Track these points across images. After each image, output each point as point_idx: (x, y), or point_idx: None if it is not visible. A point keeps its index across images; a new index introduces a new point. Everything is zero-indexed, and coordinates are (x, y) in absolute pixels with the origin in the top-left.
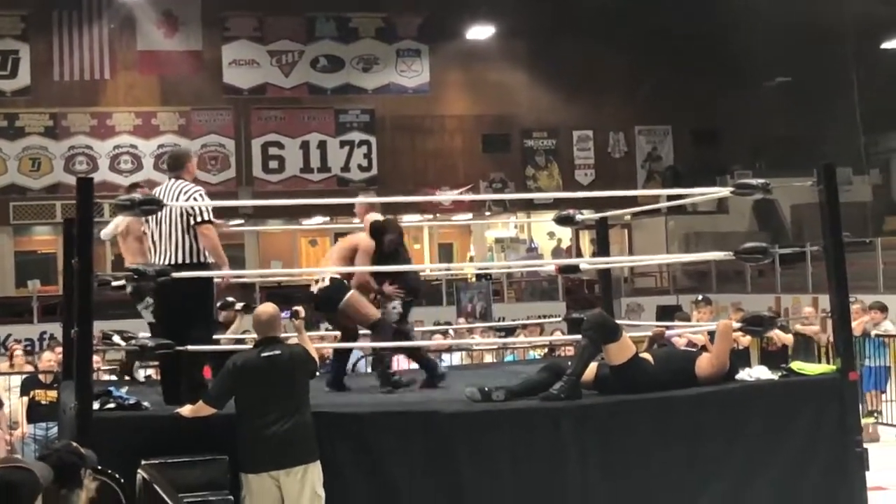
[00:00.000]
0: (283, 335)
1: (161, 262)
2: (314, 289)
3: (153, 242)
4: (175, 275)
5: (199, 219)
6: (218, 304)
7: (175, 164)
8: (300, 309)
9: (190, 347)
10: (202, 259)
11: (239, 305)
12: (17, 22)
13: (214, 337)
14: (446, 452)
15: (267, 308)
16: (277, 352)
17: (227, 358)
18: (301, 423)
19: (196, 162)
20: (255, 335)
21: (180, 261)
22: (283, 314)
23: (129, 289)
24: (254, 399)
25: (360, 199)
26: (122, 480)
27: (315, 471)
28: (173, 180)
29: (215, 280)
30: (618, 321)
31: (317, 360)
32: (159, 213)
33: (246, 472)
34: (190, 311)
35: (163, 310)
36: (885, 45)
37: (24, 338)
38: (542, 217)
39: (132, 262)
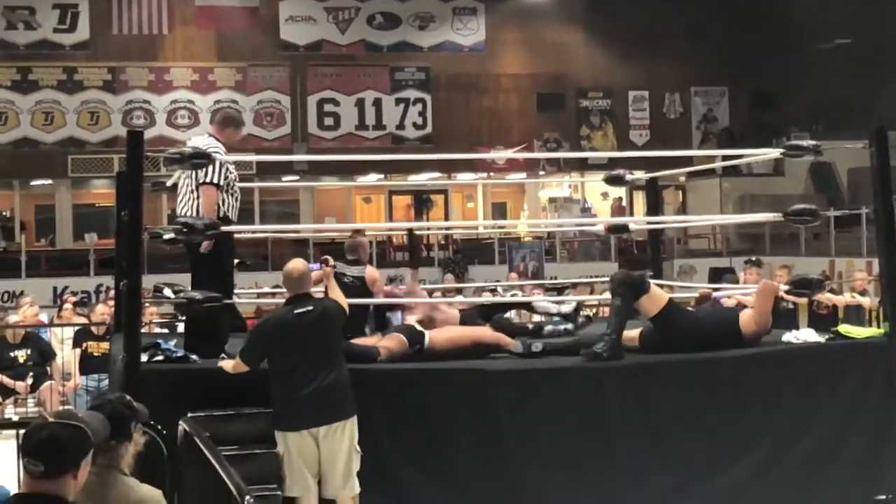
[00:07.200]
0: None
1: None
2: None
3: (178, 196)
4: (224, 229)
5: (203, 179)
6: None
7: (220, 122)
8: (329, 258)
9: (236, 300)
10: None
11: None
12: None
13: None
14: (490, 410)
15: (297, 265)
16: (310, 307)
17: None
18: (339, 379)
19: (240, 131)
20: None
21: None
22: (312, 266)
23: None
24: (290, 357)
25: None
26: (164, 432)
27: (354, 426)
28: (206, 136)
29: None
30: (668, 282)
31: (347, 311)
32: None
33: (284, 430)
34: (205, 267)
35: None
36: None
37: (80, 290)
38: (595, 177)
39: None
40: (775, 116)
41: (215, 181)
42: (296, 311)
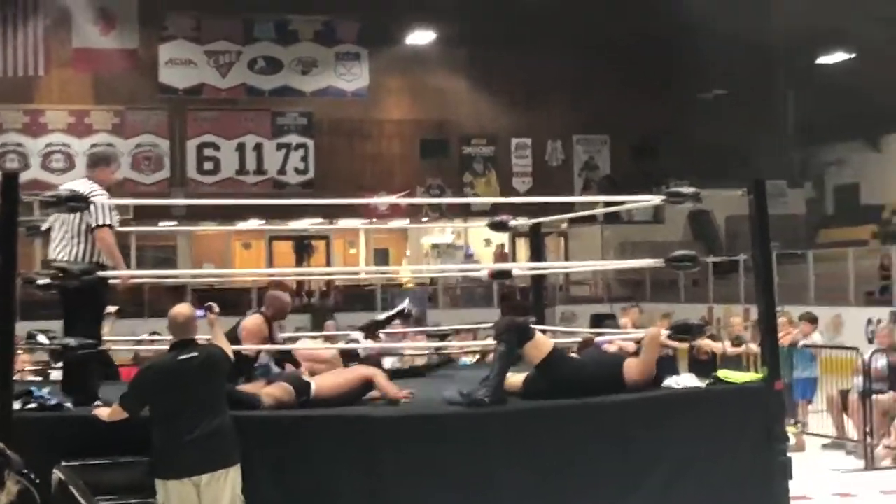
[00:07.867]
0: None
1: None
2: None
3: (53, 242)
4: (101, 273)
5: (97, 223)
6: None
7: (91, 163)
8: (214, 304)
9: (112, 347)
10: (96, 261)
11: (112, 308)
12: None
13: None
14: (374, 456)
15: (182, 309)
16: (194, 354)
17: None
18: (223, 425)
19: (115, 168)
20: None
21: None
22: (197, 312)
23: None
24: (172, 404)
25: None
26: (38, 481)
27: (237, 474)
28: (83, 180)
29: (113, 282)
30: (552, 327)
31: (231, 357)
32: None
33: (165, 478)
34: (80, 313)
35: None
36: (821, 60)
37: None
38: (478, 223)
39: None
40: (655, 164)
41: (108, 222)
42: (180, 357)
